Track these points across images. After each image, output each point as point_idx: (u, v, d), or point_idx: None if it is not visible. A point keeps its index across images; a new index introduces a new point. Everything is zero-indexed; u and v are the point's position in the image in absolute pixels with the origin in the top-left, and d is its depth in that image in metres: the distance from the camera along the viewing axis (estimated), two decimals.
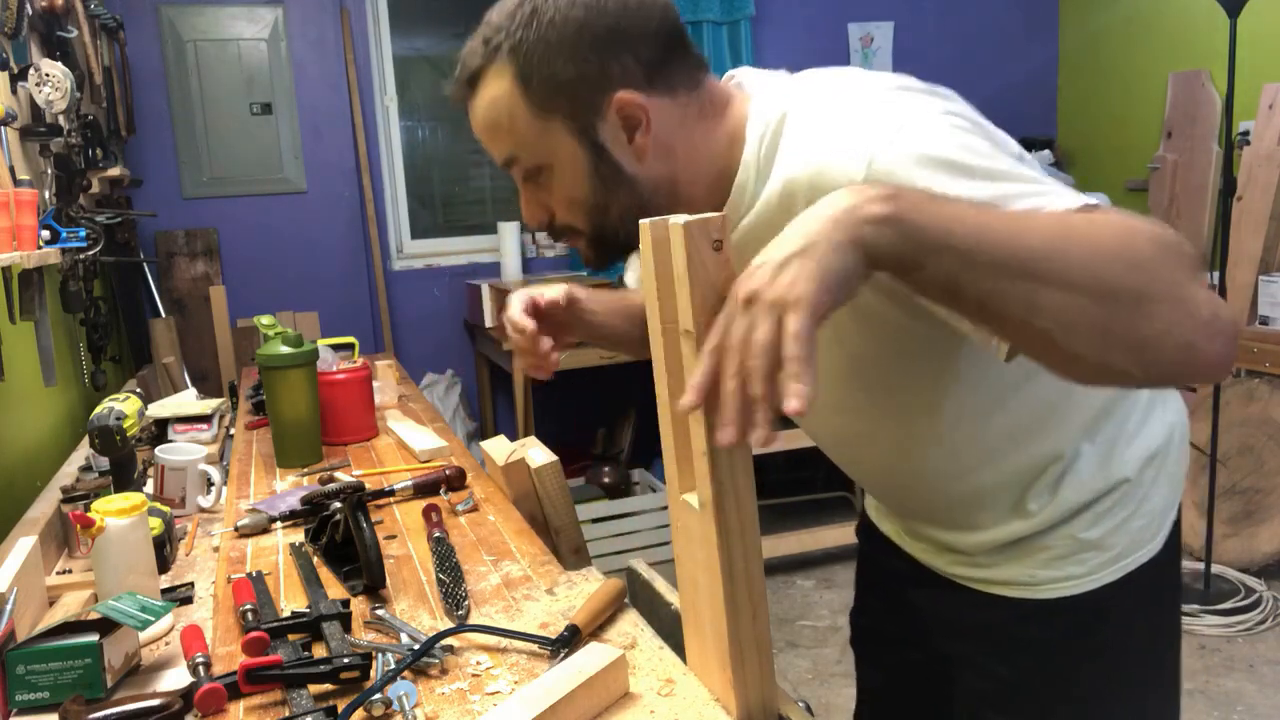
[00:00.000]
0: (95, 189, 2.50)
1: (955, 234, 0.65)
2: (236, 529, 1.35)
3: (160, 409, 2.04)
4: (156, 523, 1.32)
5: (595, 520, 3.37)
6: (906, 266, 0.66)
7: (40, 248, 1.60)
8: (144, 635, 1.08)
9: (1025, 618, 1.01)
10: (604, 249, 0.97)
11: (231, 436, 2.06)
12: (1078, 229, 0.67)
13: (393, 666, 0.91)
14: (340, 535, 1.18)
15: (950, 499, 1.02)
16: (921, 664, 1.13)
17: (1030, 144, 4.06)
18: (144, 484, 1.60)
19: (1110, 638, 1.00)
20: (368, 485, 1.46)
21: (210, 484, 1.61)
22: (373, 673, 0.91)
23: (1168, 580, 1.05)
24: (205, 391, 2.91)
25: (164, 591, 1.23)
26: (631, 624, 1.00)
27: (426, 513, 1.34)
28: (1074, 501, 0.97)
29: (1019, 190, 0.72)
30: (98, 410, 1.41)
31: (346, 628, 1.00)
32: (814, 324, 0.62)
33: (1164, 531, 1.02)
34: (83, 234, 1.81)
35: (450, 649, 0.95)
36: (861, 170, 0.77)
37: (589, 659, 0.84)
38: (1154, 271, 0.65)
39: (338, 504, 1.19)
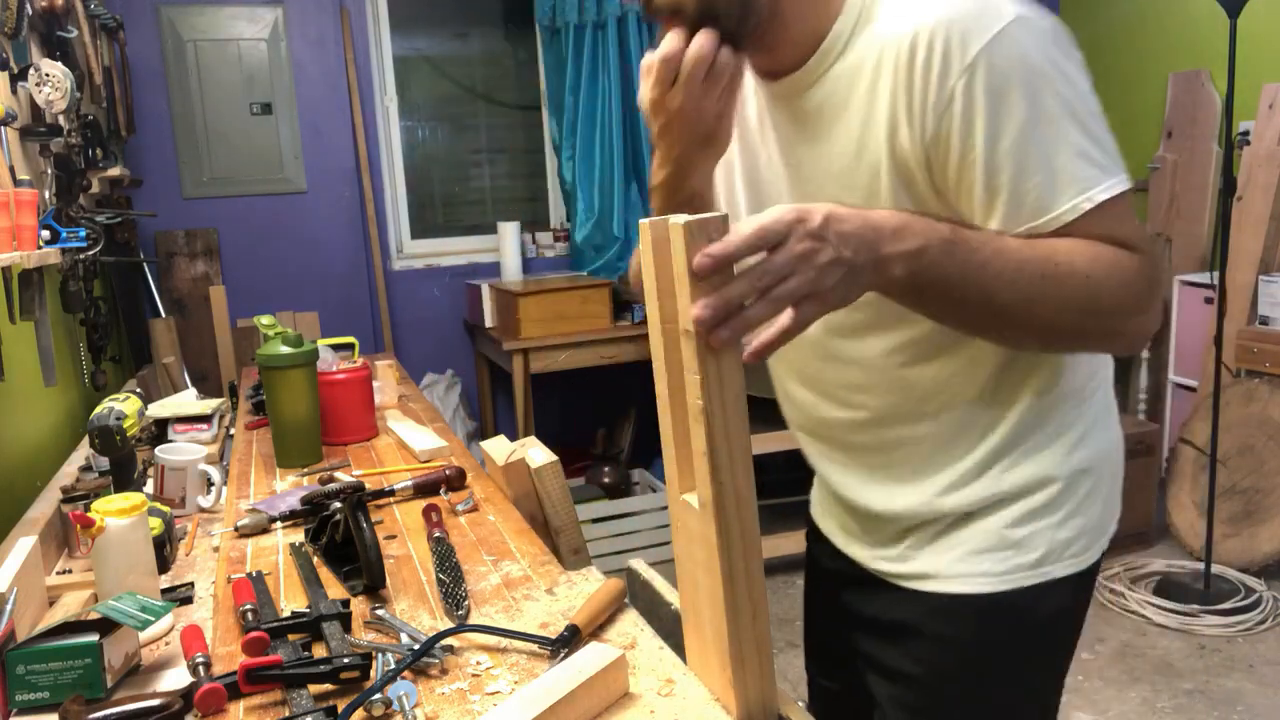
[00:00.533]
0: (95, 189, 2.50)
1: (955, 288, 0.80)
2: (236, 529, 1.35)
3: (160, 409, 2.04)
4: (156, 523, 1.32)
5: (595, 520, 3.37)
6: (909, 296, 0.83)
7: (40, 248, 1.59)
8: (144, 635, 1.08)
9: (935, 613, 1.01)
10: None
11: (231, 436, 2.06)
12: (1058, 281, 0.82)
13: (393, 666, 0.91)
14: (340, 535, 1.18)
15: (903, 435, 1.01)
16: (859, 673, 1.13)
17: None
18: (144, 484, 1.60)
19: (1010, 645, 1.00)
20: (368, 485, 1.46)
21: (210, 484, 1.61)
22: (373, 673, 0.91)
23: (1077, 606, 1.04)
24: (205, 391, 2.91)
25: (164, 591, 1.23)
26: (631, 624, 1.00)
27: (426, 513, 1.34)
28: (1004, 487, 0.98)
29: (1079, 144, 0.82)
30: (98, 410, 1.41)
31: (346, 628, 1.00)
32: (816, 318, 0.75)
33: (1087, 555, 1.01)
34: (83, 234, 1.81)
35: (450, 649, 0.95)
36: (996, 27, 0.81)
37: (589, 659, 0.84)
38: (1109, 320, 0.86)
39: (338, 504, 1.19)
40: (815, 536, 1.27)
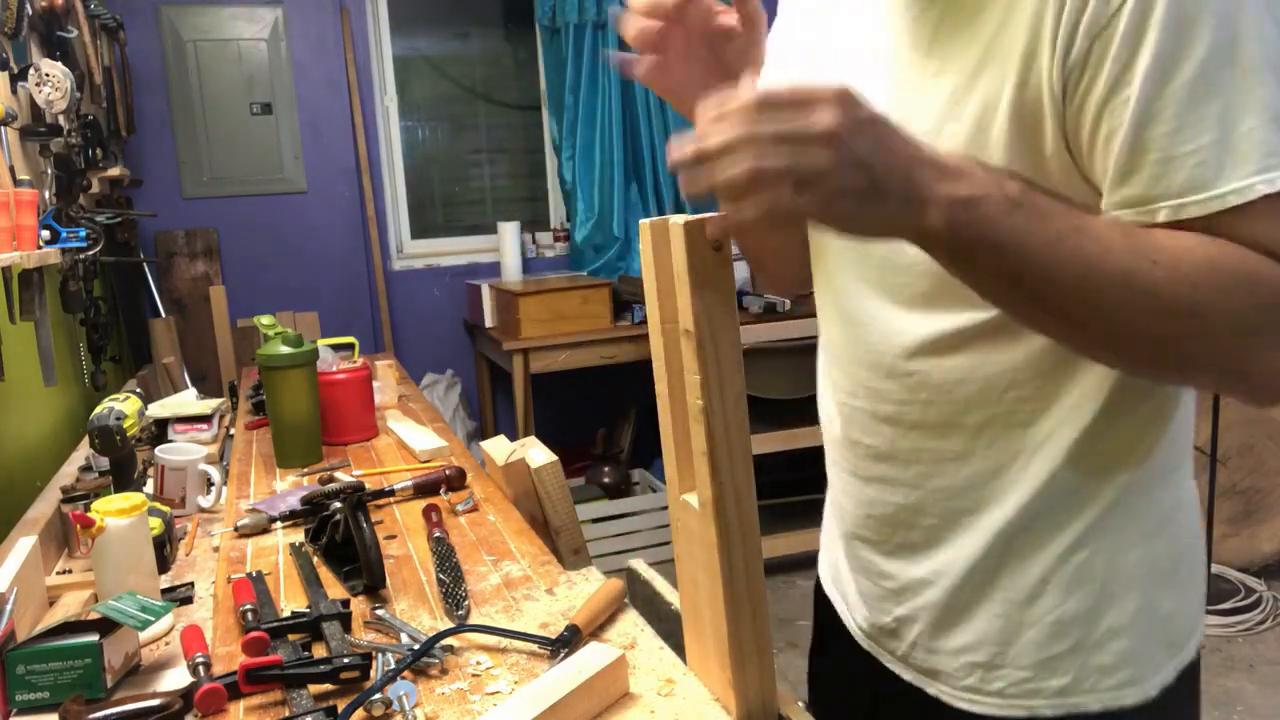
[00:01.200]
0: (95, 189, 2.50)
1: (1009, 260, 0.63)
2: (236, 529, 1.35)
3: (160, 409, 2.04)
4: (156, 523, 1.32)
5: (595, 520, 3.38)
6: (952, 257, 0.65)
7: (40, 248, 1.59)
8: (144, 635, 1.08)
9: None
10: None
11: (231, 436, 2.06)
12: (1149, 286, 0.62)
13: (393, 666, 0.91)
14: (340, 535, 1.18)
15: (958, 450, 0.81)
16: None
17: None
18: (144, 484, 1.60)
19: None
20: (368, 485, 1.46)
21: (210, 484, 1.61)
22: (373, 673, 0.91)
23: None
24: (205, 391, 2.91)
25: (164, 591, 1.23)
26: (631, 624, 1.00)
27: (426, 513, 1.34)
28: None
29: (1277, 107, 0.62)
30: (98, 410, 1.41)
31: (346, 628, 1.00)
32: (798, 217, 0.60)
33: (1137, 688, 0.79)
34: (83, 234, 1.81)
35: (450, 649, 0.95)
36: None
37: (589, 659, 0.84)
38: (1220, 351, 0.64)
39: (338, 504, 1.19)
40: (822, 604, 1.06)
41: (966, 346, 0.77)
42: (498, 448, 1.43)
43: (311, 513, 1.30)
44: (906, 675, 0.89)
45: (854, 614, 0.96)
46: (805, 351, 3.83)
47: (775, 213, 0.59)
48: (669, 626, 1.01)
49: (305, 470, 1.69)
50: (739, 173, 0.58)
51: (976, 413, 0.78)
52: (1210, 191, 0.62)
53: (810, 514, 3.42)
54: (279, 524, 1.38)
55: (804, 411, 3.20)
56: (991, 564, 0.80)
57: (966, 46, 0.70)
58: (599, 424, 3.98)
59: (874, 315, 0.83)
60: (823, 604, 1.05)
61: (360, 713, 0.84)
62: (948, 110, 0.71)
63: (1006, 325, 0.74)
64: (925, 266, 0.72)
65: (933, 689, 0.87)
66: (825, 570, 1.04)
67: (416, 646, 0.93)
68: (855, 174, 0.59)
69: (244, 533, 1.35)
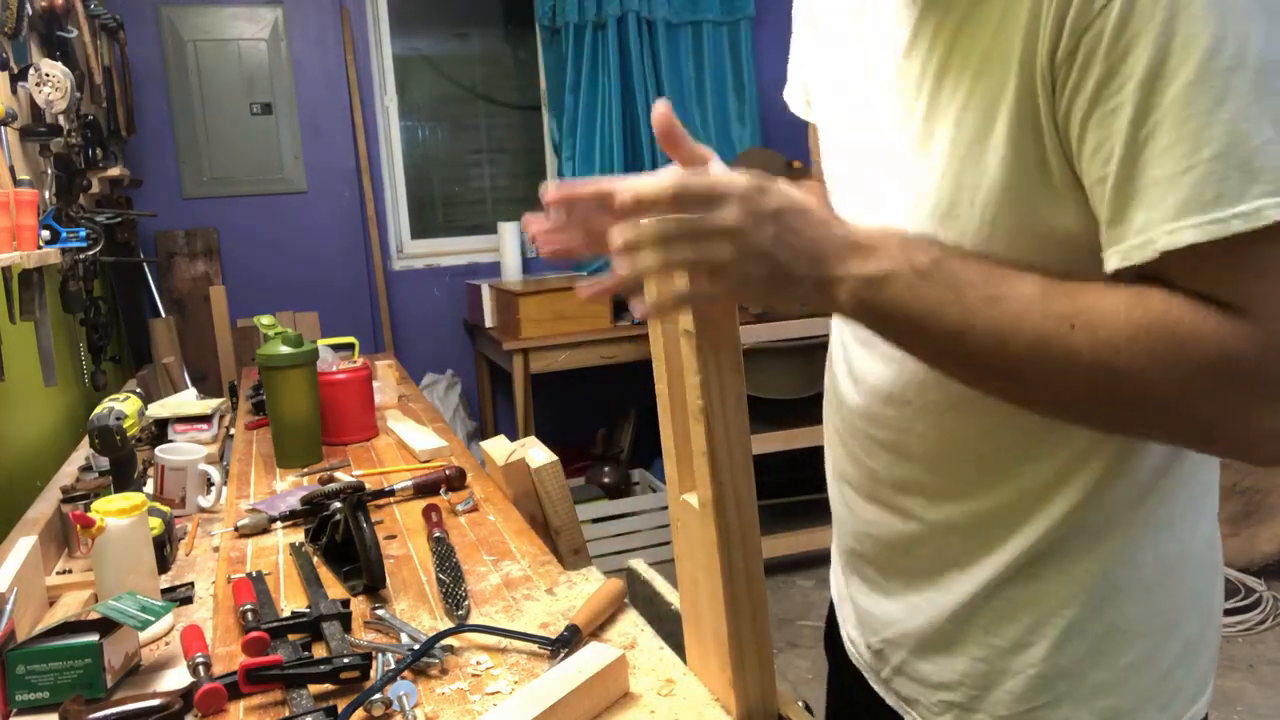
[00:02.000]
0: (95, 189, 2.50)
1: (920, 329, 0.64)
2: (236, 529, 1.35)
3: (160, 409, 2.04)
4: (156, 523, 1.32)
5: (595, 520, 3.38)
6: (872, 329, 0.67)
7: (40, 248, 1.59)
8: (144, 635, 1.08)
9: None
10: None
11: (231, 436, 2.06)
12: (1065, 352, 0.59)
13: (393, 666, 0.91)
14: (340, 535, 1.18)
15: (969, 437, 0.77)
16: None
17: None
18: (144, 484, 1.60)
19: None
20: (368, 485, 1.46)
21: (210, 484, 1.61)
22: (373, 673, 0.91)
23: None
24: (205, 391, 2.91)
25: (164, 591, 1.23)
26: (631, 624, 1.00)
27: (426, 513, 1.34)
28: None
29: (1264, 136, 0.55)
30: (98, 410, 1.41)
31: (346, 628, 1.00)
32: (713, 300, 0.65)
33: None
34: (83, 234, 1.81)
35: (450, 649, 0.95)
36: None
37: (589, 659, 0.84)
38: (1156, 414, 0.61)
39: (338, 504, 1.19)
40: (835, 655, 1.02)
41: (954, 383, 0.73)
42: (498, 448, 1.43)
43: (311, 513, 1.30)
44: (889, 699, 0.89)
45: (847, 627, 0.96)
46: (805, 351, 3.83)
47: (686, 299, 0.65)
48: (669, 626, 1.01)
49: (305, 470, 1.69)
50: (652, 265, 0.62)
51: (974, 450, 0.76)
52: (1213, 214, 0.55)
53: (810, 514, 3.44)
54: (279, 524, 1.38)
55: (804, 411, 3.20)
56: (980, 606, 0.78)
57: (968, 48, 0.67)
58: (599, 424, 3.98)
59: (873, 339, 0.80)
60: (832, 609, 1.04)
61: (360, 713, 0.84)
62: (958, 99, 0.68)
63: None
64: None
65: (910, 718, 0.86)
66: (833, 577, 1.02)
67: (416, 646, 0.93)
68: (758, 264, 0.62)
69: (244, 533, 1.35)
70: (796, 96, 0.96)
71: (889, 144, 0.75)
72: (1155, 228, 0.57)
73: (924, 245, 0.64)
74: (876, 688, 0.91)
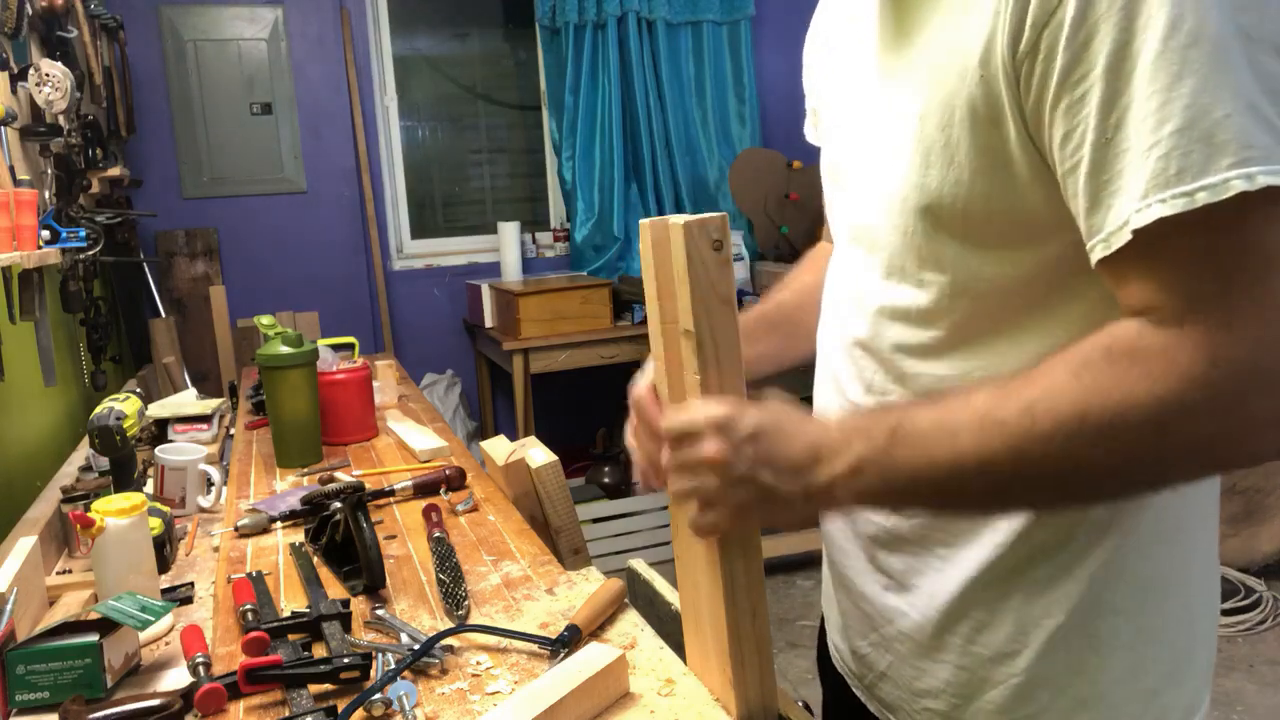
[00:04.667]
0: (95, 189, 2.50)
1: (913, 496, 0.66)
2: (236, 529, 1.35)
3: (160, 409, 2.04)
4: (156, 523, 1.32)
5: (595, 520, 3.38)
6: (872, 508, 0.74)
7: (40, 248, 1.59)
8: (144, 635, 1.08)
9: None
10: None
11: (231, 436, 2.06)
12: (1042, 453, 0.59)
13: (393, 666, 0.91)
14: (340, 535, 1.18)
15: None
16: None
17: None
18: (144, 484, 1.60)
19: None
20: (368, 485, 1.46)
21: (210, 484, 1.61)
22: (373, 673, 0.91)
23: None
24: (205, 391, 2.91)
25: (164, 591, 1.23)
26: (631, 624, 1.00)
27: (426, 513, 1.34)
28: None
29: (1251, 92, 0.54)
30: (98, 410, 1.41)
31: (346, 628, 1.00)
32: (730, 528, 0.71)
33: None
34: (83, 234, 1.81)
35: (450, 649, 0.95)
36: None
37: (589, 659, 0.83)
38: (1144, 462, 0.60)
39: (338, 504, 1.19)
40: (827, 673, 1.02)
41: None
42: (498, 448, 1.43)
43: (311, 513, 1.30)
44: (872, 706, 0.89)
45: (832, 633, 0.96)
46: None
47: (696, 530, 0.70)
48: (669, 626, 1.01)
49: (305, 470, 1.69)
50: (674, 491, 0.70)
51: None
52: (1184, 187, 0.54)
53: None
54: (279, 524, 1.38)
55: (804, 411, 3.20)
56: (962, 612, 0.77)
57: (929, 42, 0.68)
58: (599, 424, 3.98)
59: (859, 373, 0.84)
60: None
61: (360, 713, 0.84)
62: (921, 105, 0.69)
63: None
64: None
65: None
66: (822, 583, 1.02)
67: (416, 646, 0.93)
68: (744, 490, 0.66)
69: (244, 533, 1.35)
70: (810, 125, 0.98)
71: (867, 145, 0.78)
72: (1128, 208, 0.56)
73: (879, 417, 0.66)
74: (859, 694, 0.90)
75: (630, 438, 0.77)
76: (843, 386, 0.85)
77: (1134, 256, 0.57)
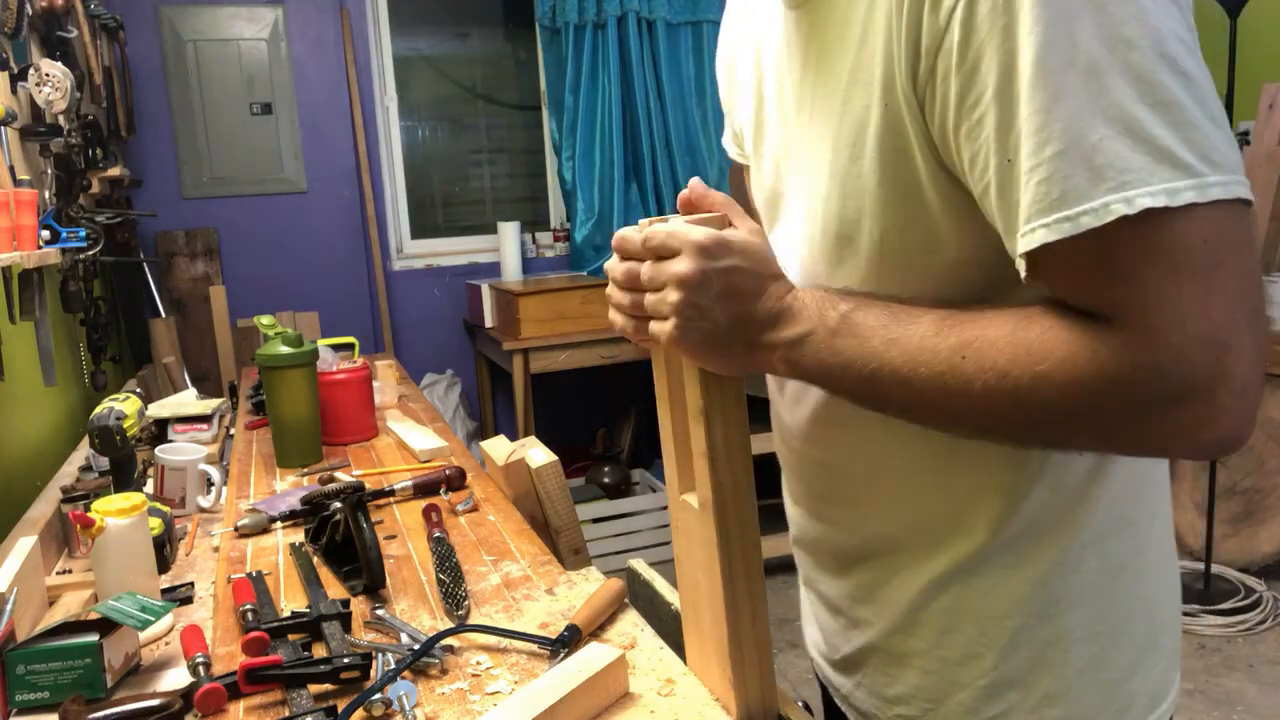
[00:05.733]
0: (95, 189, 2.50)
1: (841, 379, 0.67)
2: (236, 529, 1.35)
3: (160, 409, 2.04)
4: (156, 523, 1.32)
5: (595, 520, 3.38)
6: (802, 382, 0.72)
7: (40, 248, 1.60)
8: (144, 635, 1.08)
9: None
10: None
11: (231, 436, 2.06)
12: (962, 383, 0.61)
13: (393, 666, 0.91)
14: (340, 535, 1.18)
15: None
16: None
17: None
18: (144, 484, 1.60)
19: None
20: (368, 485, 1.46)
21: (210, 484, 1.61)
22: (373, 673, 0.91)
23: None
24: (205, 391, 2.91)
25: (164, 591, 1.23)
26: (631, 624, 1.00)
27: (426, 513, 1.34)
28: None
29: (1127, 110, 0.54)
30: (98, 410, 1.41)
31: (346, 628, 1.00)
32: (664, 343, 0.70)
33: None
34: (83, 234, 1.81)
35: (450, 649, 0.95)
36: None
37: (589, 659, 0.83)
38: (1058, 429, 0.61)
39: (338, 504, 1.19)
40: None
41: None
42: (498, 448, 1.43)
43: (311, 513, 1.30)
44: (850, 715, 0.89)
45: (812, 644, 0.97)
46: None
47: (631, 336, 0.72)
48: (669, 626, 1.01)
49: (305, 470, 1.69)
50: (625, 303, 0.71)
51: (897, 466, 0.77)
52: (1071, 209, 0.54)
53: None
54: (279, 524, 1.38)
55: None
56: (922, 618, 0.78)
57: (833, 70, 0.69)
58: (599, 424, 3.98)
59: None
60: None
61: (360, 713, 0.84)
62: (833, 126, 0.70)
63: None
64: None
65: None
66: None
67: (416, 646, 0.93)
68: (698, 318, 0.67)
69: (244, 533, 1.35)
70: (730, 142, 0.98)
71: (787, 174, 0.79)
72: (1097, 199, 0.55)
73: (836, 300, 0.67)
74: (839, 703, 0.91)
75: (610, 288, 0.73)
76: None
77: (1048, 274, 0.58)
